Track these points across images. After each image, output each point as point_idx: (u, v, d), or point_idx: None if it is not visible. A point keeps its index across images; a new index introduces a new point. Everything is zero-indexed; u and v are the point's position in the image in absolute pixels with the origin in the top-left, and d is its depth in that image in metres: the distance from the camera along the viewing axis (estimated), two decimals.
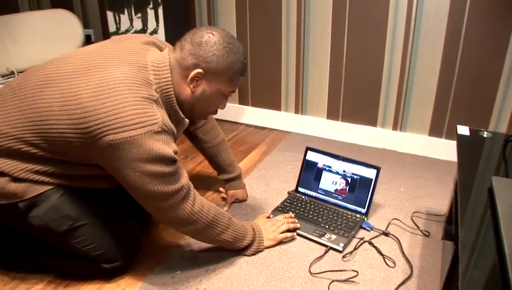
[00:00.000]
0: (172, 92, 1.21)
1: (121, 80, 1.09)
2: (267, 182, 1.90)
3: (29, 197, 1.16)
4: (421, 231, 1.56)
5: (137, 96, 1.08)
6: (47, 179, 1.17)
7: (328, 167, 1.69)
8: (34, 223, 1.18)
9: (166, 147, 1.11)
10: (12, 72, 2.26)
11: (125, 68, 1.12)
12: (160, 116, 1.10)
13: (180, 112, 1.25)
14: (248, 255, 1.42)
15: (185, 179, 1.19)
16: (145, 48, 1.23)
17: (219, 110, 1.37)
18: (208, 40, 1.20)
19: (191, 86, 1.22)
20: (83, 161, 1.17)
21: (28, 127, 1.11)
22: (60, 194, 1.19)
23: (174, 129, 1.17)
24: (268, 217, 1.54)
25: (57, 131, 1.09)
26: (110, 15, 2.41)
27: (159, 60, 1.20)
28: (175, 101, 1.22)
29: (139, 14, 2.33)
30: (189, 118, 1.30)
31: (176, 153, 1.15)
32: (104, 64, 1.12)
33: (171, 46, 1.32)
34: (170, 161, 1.13)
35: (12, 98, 1.15)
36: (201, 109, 1.30)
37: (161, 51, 1.28)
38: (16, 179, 1.15)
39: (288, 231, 1.49)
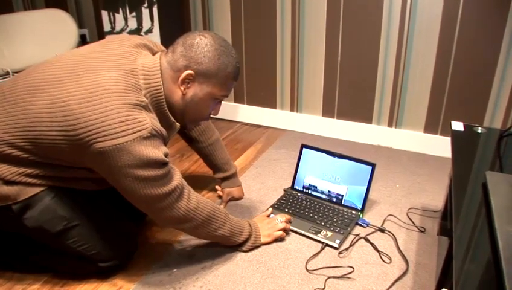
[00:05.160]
0: (163, 97, 1.20)
1: (110, 86, 1.08)
2: (263, 179, 1.90)
3: (23, 199, 1.16)
4: (416, 227, 1.57)
5: (126, 103, 1.07)
6: (39, 182, 1.17)
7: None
8: (28, 225, 1.18)
9: (156, 150, 1.11)
10: (8, 73, 2.25)
11: (114, 73, 1.11)
12: (149, 121, 1.09)
13: (171, 116, 1.25)
14: (245, 251, 1.42)
15: (177, 179, 1.19)
16: (137, 51, 1.22)
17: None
18: (200, 42, 1.19)
19: (182, 88, 1.21)
20: (74, 164, 1.16)
21: (19, 133, 1.11)
22: (54, 195, 1.19)
23: (165, 132, 1.16)
24: (268, 216, 1.54)
25: (48, 137, 1.08)
26: (104, 14, 2.40)
27: (149, 65, 1.19)
28: (165, 105, 1.22)
29: (134, 14, 2.32)
30: (181, 123, 1.29)
31: (166, 155, 1.15)
32: (94, 69, 1.11)
33: (164, 48, 1.32)
34: (161, 163, 1.13)
35: (3, 103, 1.14)
36: (193, 114, 1.28)
37: (153, 54, 1.27)
38: (8, 182, 1.14)
39: (285, 231, 1.50)
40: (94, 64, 1.13)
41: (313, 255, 1.41)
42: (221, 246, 1.42)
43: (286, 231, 1.50)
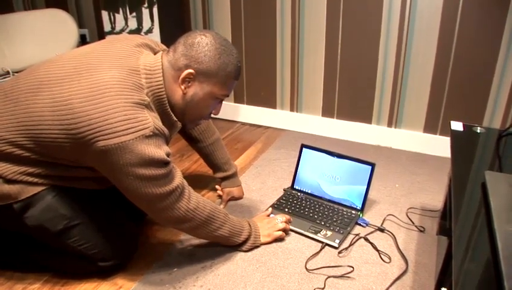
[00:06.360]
0: (165, 96, 1.20)
1: (112, 85, 1.08)
2: (263, 179, 1.91)
3: (24, 198, 1.16)
4: (416, 226, 1.57)
5: (128, 101, 1.07)
6: (41, 181, 1.17)
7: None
8: (29, 224, 1.18)
9: (158, 150, 1.11)
10: (8, 72, 2.25)
11: (116, 72, 1.11)
12: (151, 120, 1.09)
13: (173, 115, 1.25)
14: (244, 251, 1.42)
15: (178, 179, 1.19)
16: (138, 50, 1.22)
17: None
18: (200, 41, 1.19)
19: (182, 87, 1.21)
20: (76, 163, 1.17)
21: (21, 131, 1.11)
22: (55, 194, 1.20)
23: (167, 131, 1.16)
24: (268, 216, 1.55)
25: (50, 136, 1.09)
26: (105, 14, 2.40)
27: (151, 64, 1.19)
28: (167, 104, 1.22)
29: (134, 14, 2.33)
30: (181, 122, 1.30)
31: (168, 155, 1.15)
32: (96, 68, 1.12)
33: (165, 47, 1.32)
34: (163, 163, 1.13)
35: (5, 102, 1.15)
36: (193, 113, 1.28)
37: (155, 53, 1.27)
38: (10, 181, 1.15)
39: (284, 231, 1.50)
40: (96, 63, 1.13)
41: (313, 255, 1.42)
42: (221, 245, 1.42)
43: (286, 231, 1.50)
